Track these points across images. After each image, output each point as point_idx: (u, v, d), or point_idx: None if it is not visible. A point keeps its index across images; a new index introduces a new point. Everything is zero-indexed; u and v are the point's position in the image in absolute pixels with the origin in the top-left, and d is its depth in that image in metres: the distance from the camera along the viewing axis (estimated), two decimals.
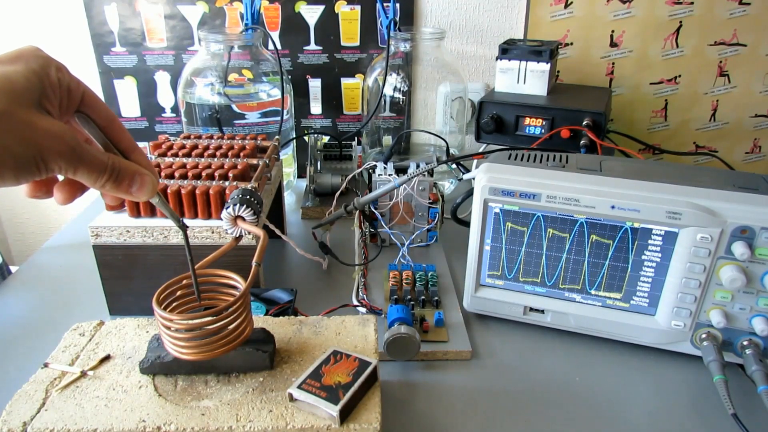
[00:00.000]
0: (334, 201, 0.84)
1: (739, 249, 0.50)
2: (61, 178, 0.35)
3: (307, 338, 0.50)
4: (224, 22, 1.02)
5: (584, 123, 0.81)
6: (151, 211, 0.61)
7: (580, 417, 0.51)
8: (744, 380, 0.55)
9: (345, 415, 0.42)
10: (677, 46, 1.03)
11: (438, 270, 0.71)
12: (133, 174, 0.36)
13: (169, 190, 0.60)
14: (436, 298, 0.64)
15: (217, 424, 0.41)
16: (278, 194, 0.79)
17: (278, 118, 0.90)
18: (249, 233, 0.49)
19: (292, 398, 0.43)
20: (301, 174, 1.08)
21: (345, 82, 1.07)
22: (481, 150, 0.89)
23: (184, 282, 0.45)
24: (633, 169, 0.58)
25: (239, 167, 0.64)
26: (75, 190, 0.36)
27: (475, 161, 0.93)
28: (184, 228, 0.43)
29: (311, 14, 1.02)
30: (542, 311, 0.61)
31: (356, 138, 0.99)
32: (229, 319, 0.42)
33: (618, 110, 1.08)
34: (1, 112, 0.29)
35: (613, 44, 1.03)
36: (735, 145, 1.10)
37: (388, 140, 1.01)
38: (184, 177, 0.62)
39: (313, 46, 1.04)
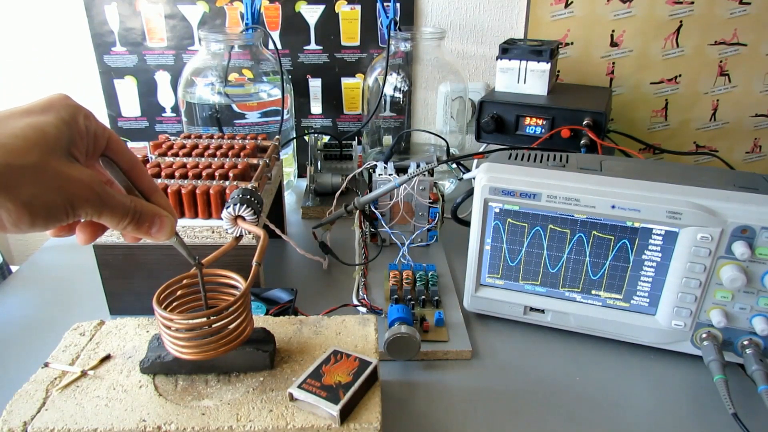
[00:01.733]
0: (335, 201, 0.84)
1: (740, 249, 0.50)
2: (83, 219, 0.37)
3: (308, 338, 0.50)
4: (224, 22, 1.02)
5: (584, 123, 0.81)
6: None
7: (580, 417, 0.51)
8: (744, 380, 0.55)
9: (345, 415, 0.42)
10: (677, 45, 1.03)
11: (438, 270, 0.71)
12: (154, 216, 0.37)
13: (169, 190, 0.60)
14: (437, 297, 0.64)
15: (217, 424, 0.41)
16: (278, 194, 0.79)
17: (278, 118, 0.90)
18: (249, 233, 0.49)
19: (292, 398, 0.43)
20: (301, 174, 1.08)
21: (345, 81, 1.07)
22: (481, 150, 0.89)
23: (185, 282, 0.45)
24: (633, 169, 0.58)
25: (239, 167, 0.64)
26: (96, 230, 0.38)
27: (475, 161, 0.93)
28: (200, 266, 0.43)
29: (311, 14, 1.02)
30: (542, 311, 0.61)
31: (356, 138, 0.99)
32: (229, 318, 0.42)
33: (618, 110, 1.08)
34: (36, 164, 0.30)
35: (613, 44, 1.03)
36: (735, 145, 1.10)
37: (388, 140, 1.01)
38: (184, 177, 0.62)
39: (313, 46, 1.04)
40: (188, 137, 0.75)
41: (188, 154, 0.68)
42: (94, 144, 0.35)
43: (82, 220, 0.37)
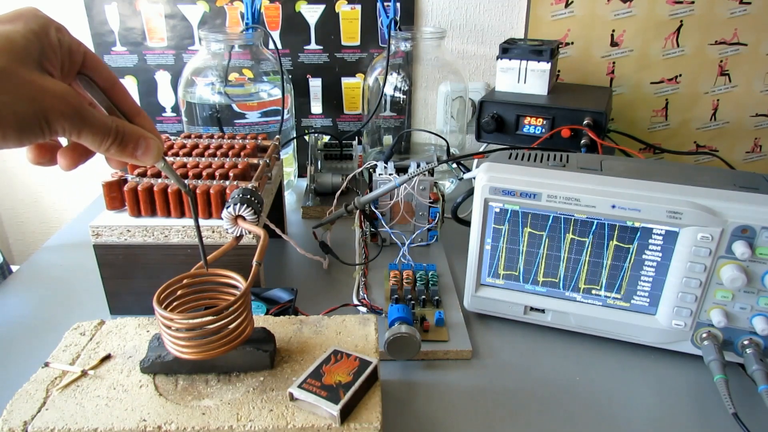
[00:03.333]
0: (335, 200, 0.84)
1: (740, 248, 0.50)
2: (64, 143, 0.35)
3: (308, 338, 0.50)
4: (225, 22, 1.02)
5: (585, 122, 0.81)
6: (152, 211, 0.61)
7: (580, 416, 0.51)
8: (744, 380, 0.55)
9: (345, 415, 0.42)
10: (678, 45, 1.02)
11: (438, 269, 0.71)
12: (138, 137, 0.35)
13: (169, 190, 0.60)
14: (437, 297, 0.64)
15: (217, 424, 0.41)
16: (279, 194, 0.79)
17: (279, 118, 0.90)
18: (249, 233, 0.49)
19: (292, 398, 0.43)
20: (301, 173, 1.08)
21: (345, 81, 1.07)
22: (481, 149, 0.89)
23: (185, 281, 0.45)
24: (633, 169, 0.58)
25: (240, 167, 0.64)
26: (79, 155, 0.35)
27: (475, 161, 0.93)
28: (191, 193, 0.42)
29: (312, 14, 1.02)
30: (543, 311, 0.61)
31: (357, 137, 0.99)
32: (229, 318, 0.42)
33: (618, 110, 1.08)
34: (2, 70, 0.28)
35: (613, 43, 1.03)
36: (735, 145, 1.10)
37: (388, 140, 1.01)
38: (184, 176, 0.62)
39: (313, 46, 1.04)
40: (188, 137, 0.75)
41: (188, 154, 0.68)
42: (69, 59, 0.33)
43: (63, 143, 0.35)
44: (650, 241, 0.54)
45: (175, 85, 1.06)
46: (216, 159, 0.67)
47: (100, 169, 0.59)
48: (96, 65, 0.35)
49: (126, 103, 0.37)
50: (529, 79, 0.90)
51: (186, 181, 0.61)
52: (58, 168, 0.36)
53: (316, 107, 1.09)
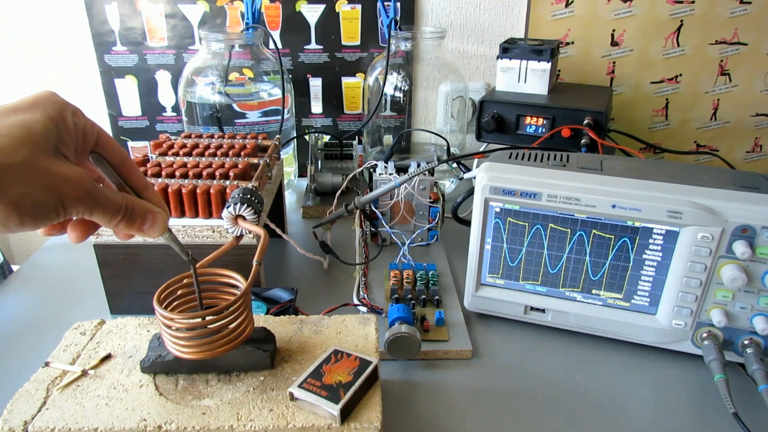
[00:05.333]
0: (335, 200, 0.84)
1: (740, 248, 0.50)
2: (74, 217, 0.36)
3: (308, 337, 0.50)
4: (225, 21, 1.02)
5: (585, 122, 0.81)
6: None
7: (580, 416, 0.51)
8: (745, 379, 0.55)
9: (346, 414, 0.42)
10: (678, 45, 1.02)
11: (439, 269, 0.71)
12: (146, 213, 0.37)
13: (169, 190, 0.60)
14: (437, 297, 0.64)
15: (218, 423, 0.41)
16: (279, 193, 0.79)
17: (279, 118, 0.90)
18: (250, 232, 0.49)
19: (292, 397, 0.43)
20: (301, 173, 1.08)
21: (346, 81, 1.07)
22: (481, 149, 0.89)
23: (185, 281, 0.45)
24: (634, 168, 0.58)
25: (240, 166, 0.64)
26: (88, 228, 0.37)
27: (475, 160, 0.93)
28: (193, 263, 0.43)
29: (312, 13, 1.02)
30: (543, 310, 0.61)
31: (357, 137, 0.99)
32: (229, 318, 0.42)
33: (619, 109, 1.08)
34: (23, 162, 0.30)
35: (614, 43, 1.03)
36: (736, 144, 1.10)
37: (388, 139, 1.01)
38: (184, 176, 0.62)
39: (313, 45, 1.04)
40: (189, 137, 0.75)
41: (189, 154, 0.68)
42: (84, 141, 0.35)
43: (74, 218, 0.36)
44: (650, 240, 0.54)
45: (175, 85, 1.05)
46: (216, 159, 0.67)
47: None
48: (108, 144, 0.37)
49: (135, 178, 0.38)
50: (530, 79, 0.90)
51: (186, 181, 0.61)
52: None
53: (317, 107, 1.09)
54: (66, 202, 0.32)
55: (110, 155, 0.37)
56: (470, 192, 0.73)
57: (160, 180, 0.61)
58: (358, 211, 0.76)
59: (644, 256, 0.55)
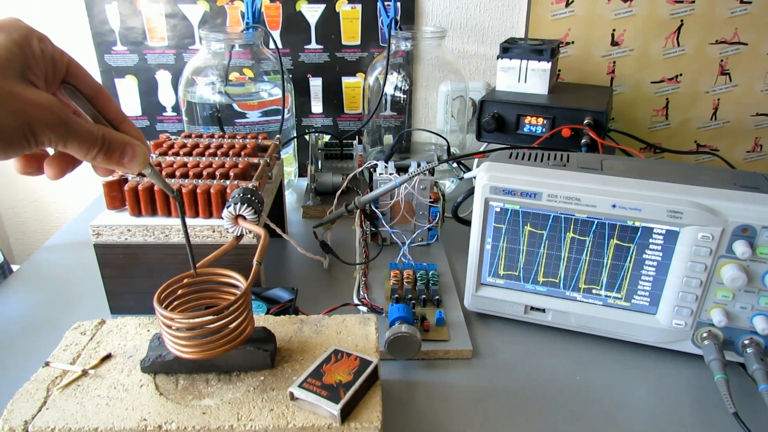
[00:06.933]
0: (335, 200, 0.84)
1: (741, 248, 0.50)
2: (51, 152, 0.35)
3: (308, 337, 0.50)
4: (225, 21, 1.02)
5: (585, 122, 0.81)
6: (152, 210, 0.61)
7: (581, 416, 0.51)
8: (745, 379, 0.55)
9: (346, 414, 0.42)
10: (678, 44, 1.02)
11: (439, 269, 0.71)
12: (124, 145, 0.35)
13: None
14: (437, 297, 0.64)
15: (218, 423, 0.41)
16: (279, 193, 0.79)
17: (279, 117, 0.90)
18: (250, 232, 0.49)
19: (293, 397, 0.43)
20: (302, 173, 1.08)
21: (346, 80, 1.07)
22: (482, 149, 0.89)
23: (185, 281, 0.46)
24: (634, 168, 0.58)
25: (240, 166, 0.64)
26: (66, 164, 0.35)
27: (476, 160, 0.93)
28: (179, 198, 0.42)
29: (312, 13, 1.02)
30: (543, 310, 0.61)
31: (357, 137, 0.99)
32: (230, 318, 0.42)
33: (619, 109, 1.08)
34: None
35: (614, 43, 1.03)
36: (736, 144, 1.10)
37: (388, 139, 1.01)
38: (185, 176, 0.62)
39: (314, 45, 1.04)
40: (189, 136, 0.75)
41: (189, 154, 0.68)
42: (53, 69, 0.33)
43: (49, 152, 0.35)
44: (651, 240, 0.54)
45: (175, 85, 1.05)
46: (216, 158, 0.67)
47: None
48: (80, 74, 0.35)
49: (111, 110, 0.37)
50: (530, 79, 0.90)
51: (186, 181, 0.61)
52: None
53: (317, 107, 1.09)
54: (35, 128, 0.30)
55: (83, 86, 0.35)
56: (470, 192, 0.73)
57: (150, 151, 0.61)
58: (359, 210, 0.76)
59: (644, 256, 0.55)
